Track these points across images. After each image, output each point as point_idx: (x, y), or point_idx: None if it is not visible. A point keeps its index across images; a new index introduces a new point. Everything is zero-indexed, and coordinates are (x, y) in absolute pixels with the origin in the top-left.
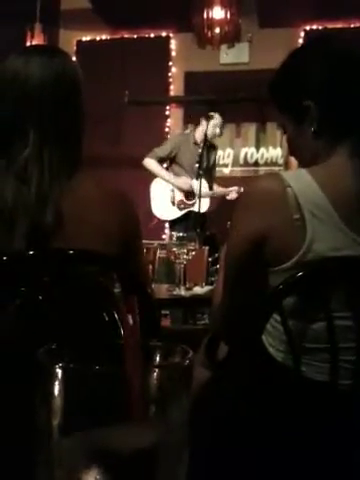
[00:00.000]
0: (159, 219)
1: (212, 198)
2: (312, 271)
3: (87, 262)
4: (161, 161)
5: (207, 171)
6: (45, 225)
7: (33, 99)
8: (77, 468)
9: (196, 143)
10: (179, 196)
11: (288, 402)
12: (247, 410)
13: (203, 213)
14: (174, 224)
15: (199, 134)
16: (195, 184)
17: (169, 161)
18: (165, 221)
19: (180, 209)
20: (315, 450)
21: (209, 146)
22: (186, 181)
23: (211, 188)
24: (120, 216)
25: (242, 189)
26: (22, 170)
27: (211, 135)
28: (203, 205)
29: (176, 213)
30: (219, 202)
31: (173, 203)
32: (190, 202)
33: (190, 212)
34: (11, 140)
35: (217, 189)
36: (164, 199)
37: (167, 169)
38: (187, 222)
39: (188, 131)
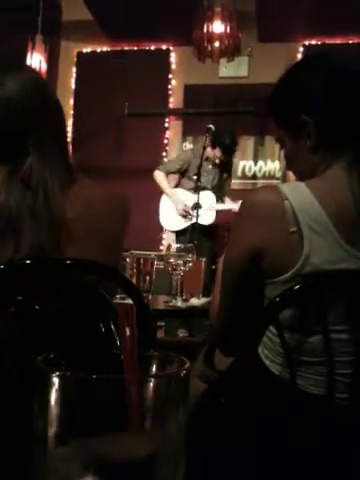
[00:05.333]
0: (166, 230)
1: (220, 212)
2: (309, 284)
3: (86, 271)
4: (171, 174)
5: (217, 186)
6: (50, 229)
7: (20, 117)
8: (73, 477)
9: (207, 158)
10: (187, 207)
11: (284, 415)
12: (242, 422)
13: (210, 225)
14: (178, 235)
15: (209, 150)
16: (200, 199)
17: (180, 174)
18: (172, 232)
19: (186, 221)
20: (311, 464)
21: (220, 162)
22: (181, 201)
23: (222, 202)
24: (121, 219)
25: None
26: (27, 177)
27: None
28: (208, 218)
29: (182, 224)
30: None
31: (180, 214)
32: (194, 213)
33: (195, 224)
34: (10, 148)
35: (227, 204)
36: (172, 211)
37: (178, 182)
38: (194, 234)
39: (198, 145)
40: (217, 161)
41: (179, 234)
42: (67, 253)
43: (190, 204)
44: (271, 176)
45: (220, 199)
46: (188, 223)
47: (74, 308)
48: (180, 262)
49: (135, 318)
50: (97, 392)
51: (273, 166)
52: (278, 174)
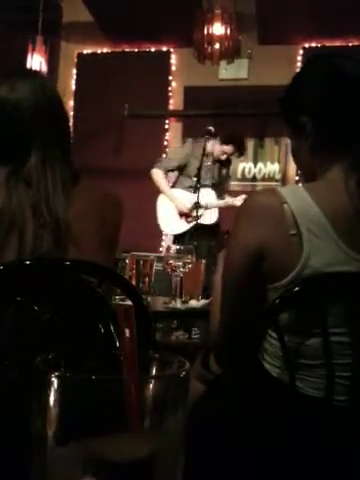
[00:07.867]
0: (167, 234)
1: (222, 210)
2: (308, 287)
3: (85, 272)
4: (170, 172)
5: (218, 184)
6: (52, 229)
7: (28, 119)
8: (72, 477)
9: (207, 155)
10: (186, 209)
11: (283, 417)
12: (242, 424)
13: (213, 225)
14: (180, 237)
15: (209, 148)
16: (200, 197)
17: (178, 172)
18: (172, 235)
19: (188, 222)
20: (311, 466)
21: (221, 160)
22: (182, 202)
23: (223, 199)
24: (119, 220)
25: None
26: (28, 176)
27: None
28: (211, 217)
29: (184, 226)
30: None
31: (181, 216)
32: (195, 215)
33: (198, 224)
34: (14, 149)
35: (228, 199)
36: (171, 212)
37: (176, 180)
38: (195, 235)
39: (197, 144)
40: (223, 157)
41: (179, 236)
42: (69, 253)
43: (190, 205)
44: (271, 178)
45: (220, 196)
46: (190, 225)
47: (73, 309)
48: (179, 263)
49: (134, 319)
50: (96, 393)
51: (273, 168)
52: (278, 176)
